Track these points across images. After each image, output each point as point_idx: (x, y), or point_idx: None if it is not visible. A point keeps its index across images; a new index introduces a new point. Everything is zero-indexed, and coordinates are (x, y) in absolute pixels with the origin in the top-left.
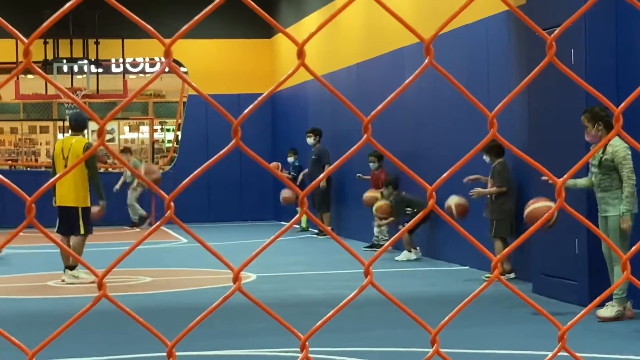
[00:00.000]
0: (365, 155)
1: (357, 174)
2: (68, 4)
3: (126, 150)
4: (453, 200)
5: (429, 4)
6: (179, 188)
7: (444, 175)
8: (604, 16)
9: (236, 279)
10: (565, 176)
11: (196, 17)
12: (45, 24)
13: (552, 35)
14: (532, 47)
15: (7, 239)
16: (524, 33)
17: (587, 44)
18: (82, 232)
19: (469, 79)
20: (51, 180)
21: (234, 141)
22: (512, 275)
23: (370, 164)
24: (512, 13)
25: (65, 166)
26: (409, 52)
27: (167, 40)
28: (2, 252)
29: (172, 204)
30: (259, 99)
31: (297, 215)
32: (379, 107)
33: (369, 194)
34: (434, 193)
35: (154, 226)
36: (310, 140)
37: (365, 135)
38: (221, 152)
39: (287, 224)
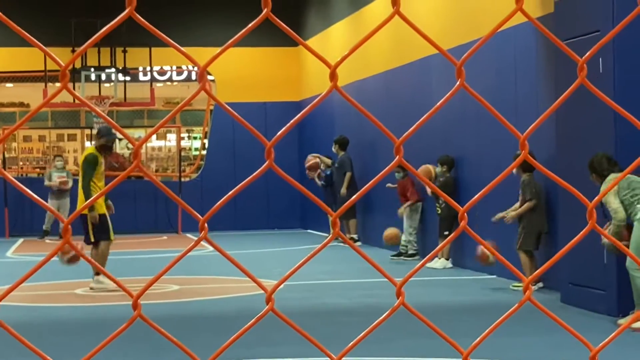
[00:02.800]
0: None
1: (387, 184)
2: (101, 31)
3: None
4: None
5: (455, 13)
6: (211, 211)
7: (475, 197)
8: (633, 24)
9: (269, 300)
10: (596, 198)
11: (231, 40)
12: (86, 44)
13: (583, 58)
14: (560, 56)
15: (46, 257)
16: (552, 42)
17: (615, 53)
18: (92, 239)
19: (497, 89)
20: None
21: (267, 163)
22: (541, 284)
23: (396, 174)
24: (540, 20)
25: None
26: (435, 61)
27: (202, 56)
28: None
29: (205, 225)
30: (291, 121)
31: (330, 237)
32: (411, 129)
33: (390, 231)
34: (465, 214)
35: (190, 245)
36: (334, 149)
37: (397, 157)
38: (255, 174)
39: (322, 243)
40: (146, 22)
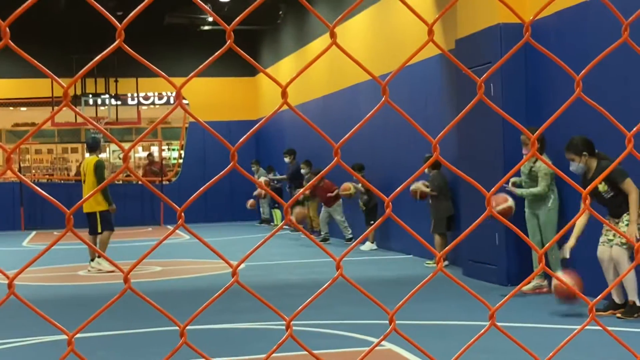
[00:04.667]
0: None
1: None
2: (102, 54)
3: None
4: (418, 186)
5: (379, 48)
6: (186, 204)
7: (398, 189)
8: (515, 58)
9: (234, 273)
10: (493, 189)
11: (200, 67)
12: (84, 68)
13: (481, 78)
14: (460, 83)
15: (52, 242)
16: (454, 72)
17: (503, 80)
18: (99, 230)
19: (410, 110)
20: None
21: (232, 164)
22: (447, 262)
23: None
24: (444, 56)
25: (83, 181)
26: (364, 87)
27: (178, 83)
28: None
29: (182, 214)
30: (251, 130)
31: (282, 224)
32: (346, 135)
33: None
34: (390, 203)
35: (170, 231)
36: (286, 159)
37: (336, 158)
38: (222, 173)
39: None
40: (135, 53)
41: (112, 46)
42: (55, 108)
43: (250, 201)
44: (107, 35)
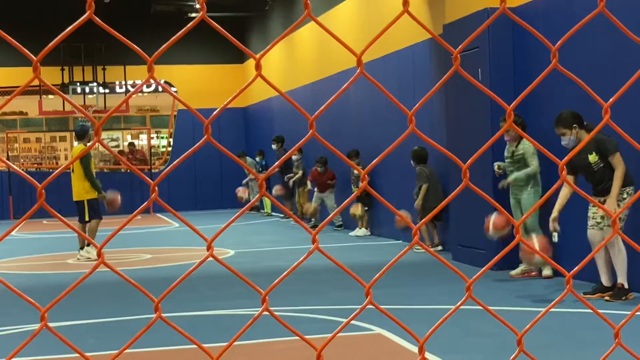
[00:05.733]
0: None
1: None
2: (66, 30)
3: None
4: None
5: (368, 32)
6: (159, 177)
7: (375, 160)
8: (503, 42)
9: (209, 247)
10: (469, 161)
11: (171, 39)
12: (57, 38)
13: (456, 49)
14: (447, 68)
15: (23, 217)
16: (443, 57)
17: (490, 64)
18: (86, 219)
19: (399, 96)
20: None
21: (205, 137)
22: (440, 247)
23: (319, 169)
24: (432, 41)
25: (72, 170)
26: (352, 73)
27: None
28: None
29: (156, 188)
30: (228, 99)
31: (257, 197)
32: (322, 107)
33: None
34: (367, 176)
35: (142, 205)
36: (274, 146)
37: (310, 131)
38: (196, 146)
39: (249, 203)
40: (106, 25)
41: (82, 17)
42: (44, 96)
43: (241, 189)
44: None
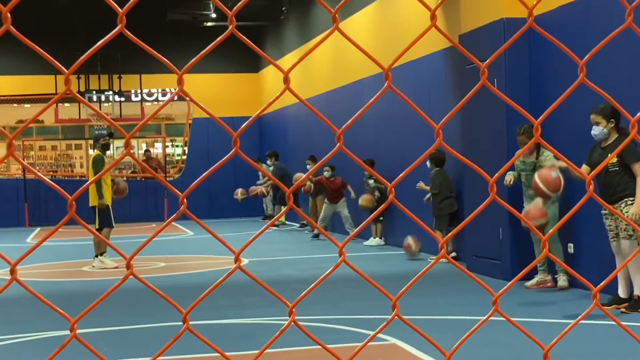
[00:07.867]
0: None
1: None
2: (98, 44)
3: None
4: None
5: (384, 41)
6: (189, 188)
7: (401, 175)
8: (519, 53)
9: (237, 259)
10: (495, 175)
11: (200, 54)
12: (82, 57)
13: (484, 63)
14: (463, 77)
15: (52, 230)
16: (459, 67)
17: (507, 75)
18: (96, 226)
19: (415, 104)
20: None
21: (234, 149)
22: (454, 254)
23: (325, 173)
24: (447, 50)
25: (88, 176)
26: (367, 82)
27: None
28: None
29: (185, 200)
30: (252, 117)
31: (284, 210)
32: (349, 121)
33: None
34: (393, 189)
35: (170, 218)
36: (268, 162)
37: (338, 144)
38: (224, 159)
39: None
40: (138, 40)
41: (113, 31)
42: (60, 105)
43: (240, 190)
44: (110, 31)
